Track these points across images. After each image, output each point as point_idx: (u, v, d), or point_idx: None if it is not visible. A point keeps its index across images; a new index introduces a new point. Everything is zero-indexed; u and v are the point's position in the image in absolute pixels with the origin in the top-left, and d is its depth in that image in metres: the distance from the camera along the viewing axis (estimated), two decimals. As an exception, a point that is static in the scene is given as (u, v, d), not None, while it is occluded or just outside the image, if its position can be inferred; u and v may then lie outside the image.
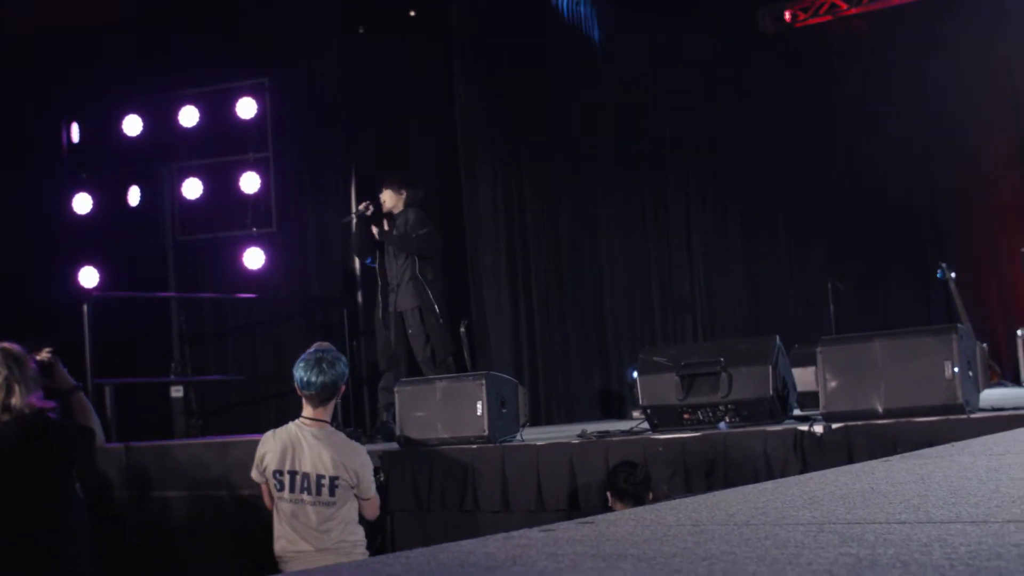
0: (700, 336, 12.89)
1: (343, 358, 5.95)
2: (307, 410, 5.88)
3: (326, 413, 5.88)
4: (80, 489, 5.95)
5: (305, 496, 5.76)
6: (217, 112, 11.62)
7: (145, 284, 11.72)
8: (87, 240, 11.68)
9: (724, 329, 13.08)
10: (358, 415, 11.01)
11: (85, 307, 9.60)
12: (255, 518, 6.48)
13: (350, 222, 9.57)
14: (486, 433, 7.15)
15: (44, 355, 5.89)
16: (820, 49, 13.50)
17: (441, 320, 9.16)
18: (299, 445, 5.80)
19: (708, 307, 13.31)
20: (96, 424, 5.95)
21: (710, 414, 6.79)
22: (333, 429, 5.96)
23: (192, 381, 11.31)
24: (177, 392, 10.92)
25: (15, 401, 5.52)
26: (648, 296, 12.91)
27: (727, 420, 6.72)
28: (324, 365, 5.80)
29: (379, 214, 9.52)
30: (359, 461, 5.86)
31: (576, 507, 6.64)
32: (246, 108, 11.49)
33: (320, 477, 5.75)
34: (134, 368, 10.88)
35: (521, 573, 1.77)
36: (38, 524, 5.62)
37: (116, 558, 7.98)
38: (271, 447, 5.88)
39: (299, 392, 5.88)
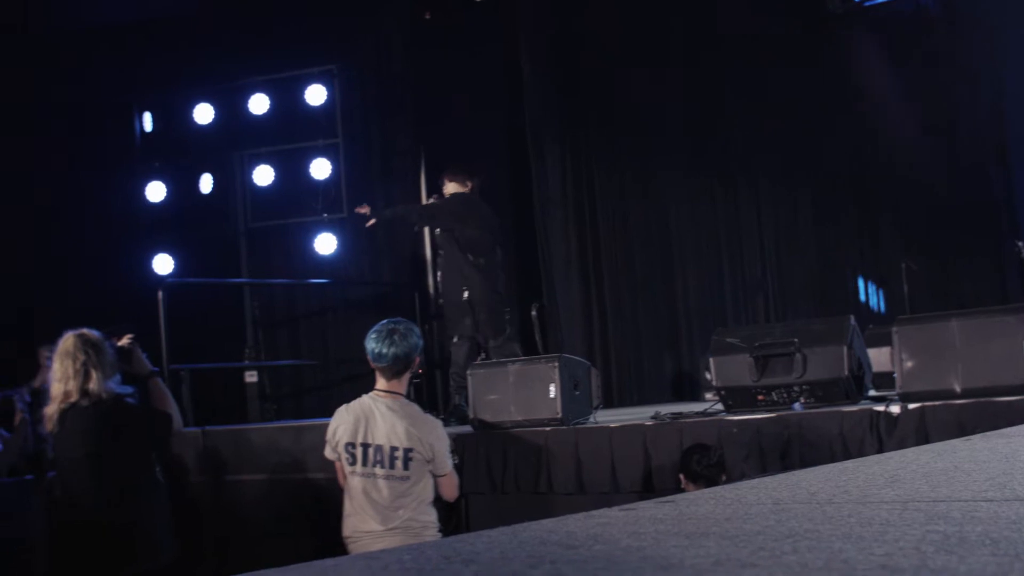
0: (772, 317, 12.73)
1: (416, 330, 5.86)
2: (380, 383, 5.79)
3: (400, 386, 5.79)
4: (160, 474, 6.04)
5: (378, 470, 5.65)
6: (287, 99, 11.73)
7: (218, 270, 11.87)
8: (161, 228, 11.88)
9: (796, 310, 12.92)
10: (431, 398, 11.05)
11: (160, 293, 9.69)
12: (329, 501, 6.52)
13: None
14: (559, 415, 7.11)
15: (125, 341, 5.99)
16: (892, 27, 13.31)
17: (493, 301, 9.05)
18: (372, 417, 5.71)
19: (779, 288, 13.16)
20: (173, 409, 6.03)
21: (784, 395, 6.72)
22: (408, 401, 5.86)
23: (266, 366, 11.41)
24: (251, 377, 11.02)
25: (92, 386, 5.61)
26: (719, 277, 12.80)
27: (802, 401, 6.64)
28: (396, 337, 5.70)
29: None
30: (435, 434, 5.77)
31: (650, 489, 6.62)
32: (315, 95, 11.59)
33: (394, 449, 5.64)
34: (209, 353, 11.00)
35: (603, 551, 1.77)
36: (119, 508, 5.72)
37: (192, 541, 8.09)
38: (343, 419, 5.78)
39: (372, 364, 5.80)
